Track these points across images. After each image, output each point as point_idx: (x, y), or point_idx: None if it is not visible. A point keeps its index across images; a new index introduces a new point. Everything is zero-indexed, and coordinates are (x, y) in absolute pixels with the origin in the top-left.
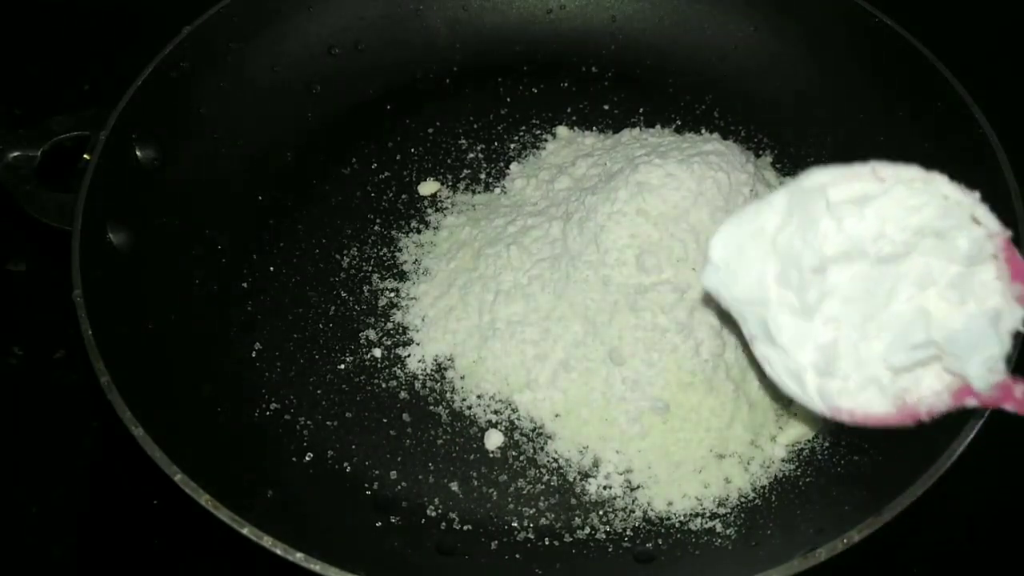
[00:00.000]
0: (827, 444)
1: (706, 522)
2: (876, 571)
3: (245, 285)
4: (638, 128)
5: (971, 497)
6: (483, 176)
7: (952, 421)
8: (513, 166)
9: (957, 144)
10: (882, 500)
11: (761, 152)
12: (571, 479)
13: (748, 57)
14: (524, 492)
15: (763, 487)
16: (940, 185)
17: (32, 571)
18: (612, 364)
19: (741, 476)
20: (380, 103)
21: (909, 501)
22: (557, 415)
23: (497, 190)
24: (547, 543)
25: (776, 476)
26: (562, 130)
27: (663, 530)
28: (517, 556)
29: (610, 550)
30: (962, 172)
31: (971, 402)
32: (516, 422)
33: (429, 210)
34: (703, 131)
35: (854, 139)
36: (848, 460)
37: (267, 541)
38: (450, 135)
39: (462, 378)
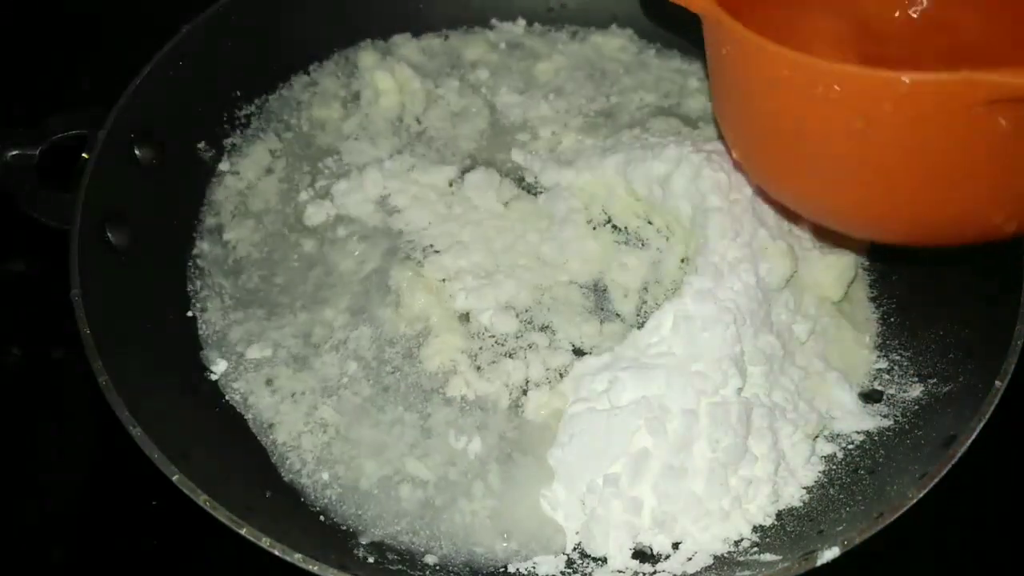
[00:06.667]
0: (827, 446)
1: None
2: (876, 571)
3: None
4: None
5: (971, 498)
6: None
7: (951, 423)
8: None
9: None
10: (882, 502)
11: None
12: None
13: None
14: None
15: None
16: None
17: (32, 572)
18: None
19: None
20: None
21: (908, 504)
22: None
23: None
24: None
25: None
26: None
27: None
28: None
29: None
30: None
31: None
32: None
33: None
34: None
35: None
36: (848, 461)
37: (265, 542)
38: None
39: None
